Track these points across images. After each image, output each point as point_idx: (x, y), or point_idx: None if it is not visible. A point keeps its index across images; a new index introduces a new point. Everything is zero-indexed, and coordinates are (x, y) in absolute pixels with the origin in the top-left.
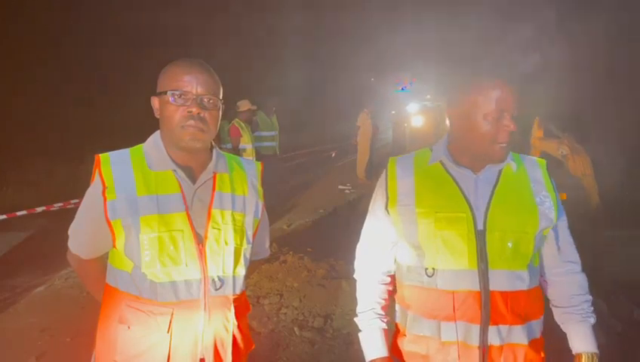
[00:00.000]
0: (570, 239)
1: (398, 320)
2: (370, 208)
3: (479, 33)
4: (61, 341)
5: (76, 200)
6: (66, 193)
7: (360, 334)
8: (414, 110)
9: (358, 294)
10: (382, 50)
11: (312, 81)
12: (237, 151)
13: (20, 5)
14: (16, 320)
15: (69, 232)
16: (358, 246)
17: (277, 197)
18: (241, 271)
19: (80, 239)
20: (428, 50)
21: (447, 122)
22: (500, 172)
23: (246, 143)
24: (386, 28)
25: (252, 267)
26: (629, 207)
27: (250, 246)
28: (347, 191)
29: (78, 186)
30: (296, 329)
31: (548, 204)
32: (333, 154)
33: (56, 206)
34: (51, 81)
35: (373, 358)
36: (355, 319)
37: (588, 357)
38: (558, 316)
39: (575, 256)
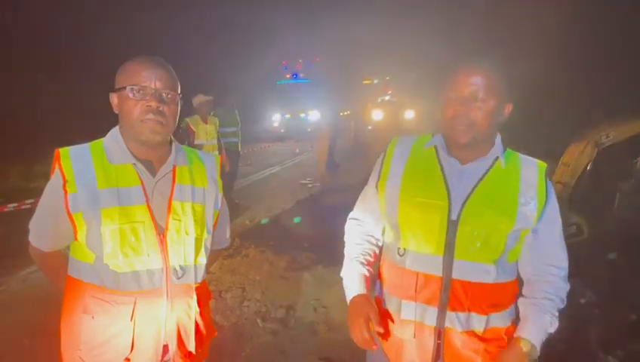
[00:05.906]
0: (558, 244)
1: (377, 293)
2: (369, 180)
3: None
4: (19, 343)
5: (31, 201)
6: (19, 194)
7: (343, 281)
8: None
9: (346, 249)
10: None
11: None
12: (193, 147)
13: None
14: None
15: (30, 226)
16: (351, 213)
17: (239, 192)
18: (202, 260)
19: (41, 232)
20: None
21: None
22: (490, 166)
23: (201, 140)
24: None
25: (213, 256)
26: None
27: (211, 236)
28: (309, 185)
29: (32, 187)
30: (259, 320)
31: (532, 206)
32: (297, 150)
33: (11, 206)
34: None
35: (351, 297)
36: (342, 274)
37: (526, 343)
38: (522, 304)
39: (558, 261)
